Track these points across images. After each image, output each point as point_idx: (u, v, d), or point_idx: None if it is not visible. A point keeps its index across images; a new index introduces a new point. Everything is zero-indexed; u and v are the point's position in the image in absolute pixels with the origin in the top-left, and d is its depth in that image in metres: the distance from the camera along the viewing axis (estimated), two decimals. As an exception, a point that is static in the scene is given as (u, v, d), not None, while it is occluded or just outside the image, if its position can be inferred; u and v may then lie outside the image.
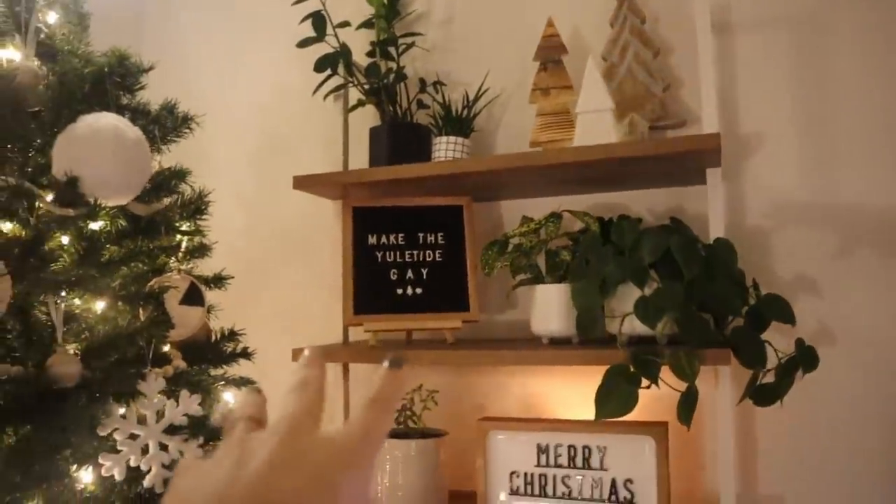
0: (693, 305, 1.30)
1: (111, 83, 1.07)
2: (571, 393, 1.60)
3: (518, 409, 1.65)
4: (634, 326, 1.34)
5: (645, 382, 1.27)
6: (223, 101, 2.00)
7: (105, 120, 1.01)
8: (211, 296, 1.30)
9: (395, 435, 1.52)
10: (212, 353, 1.21)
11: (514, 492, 1.47)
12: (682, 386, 1.27)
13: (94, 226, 1.07)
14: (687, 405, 1.28)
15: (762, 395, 1.38)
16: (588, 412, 1.51)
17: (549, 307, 1.45)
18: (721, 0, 1.58)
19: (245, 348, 1.27)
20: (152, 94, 1.26)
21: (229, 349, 1.26)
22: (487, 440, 1.48)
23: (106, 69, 1.07)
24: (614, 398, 1.25)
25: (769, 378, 1.34)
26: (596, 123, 1.44)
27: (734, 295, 1.31)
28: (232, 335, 1.28)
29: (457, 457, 1.61)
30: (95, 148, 0.99)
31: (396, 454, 1.50)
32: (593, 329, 1.36)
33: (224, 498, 0.32)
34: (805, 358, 1.36)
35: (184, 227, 1.20)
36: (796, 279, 1.51)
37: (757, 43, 1.56)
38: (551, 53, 1.56)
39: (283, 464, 0.34)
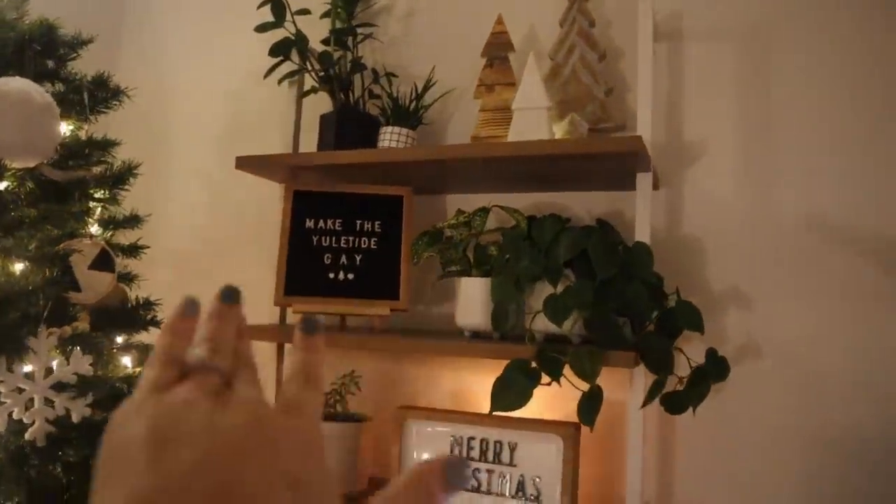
0: (606, 307, 1.30)
1: (32, 51, 1.11)
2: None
3: (446, 403, 1.66)
4: (548, 324, 1.35)
5: (546, 379, 1.28)
6: (193, 84, 2.05)
7: (14, 84, 1.05)
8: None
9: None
10: (123, 320, 1.24)
11: (426, 481, 1.48)
12: (586, 386, 1.28)
13: (0, 186, 1.11)
14: (589, 405, 1.28)
15: (672, 402, 1.37)
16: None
17: (472, 301, 1.46)
18: (674, 7, 1.58)
19: (156, 317, 1.31)
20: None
21: (144, 317, 1.29)
22: (403, 428, 1.50)
23: (27, 36, 1.11)
24: (510, 392, 1.26)
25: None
26: (531, 120, 1.44)
27: (647, 299, 1.31)
28: (148, 304, 1.31)
29: (381, 444, 1.63)
30: (0, 110, 1.03)
31: (317, 435, 1.52)
32: (504, 324, 1.37)
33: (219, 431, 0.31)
34: (714, 368, 1.35)
35: (98, 195, 1.23)
36: (729, 290, 1.50)
37: (704, 52, 1.56)
38: (498, 50, 1.57)
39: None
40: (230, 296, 0.40)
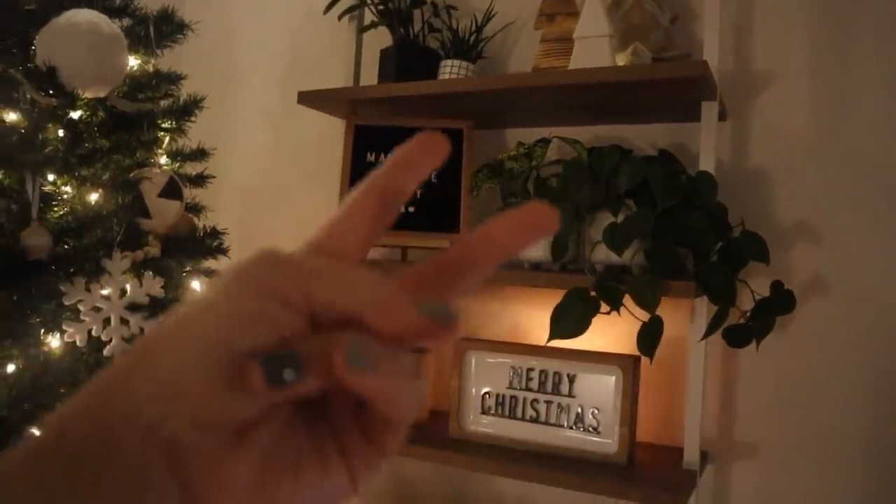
0: (666, 236, 1.29)
1: (100, -16, 1.14)
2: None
3: (506, 337, 1.68)
4: (609, 255, 1.34)
5: (605, 308, 1.28)
6: (255, 21, 2.07)
7: (82, 15, 1.09)
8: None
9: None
10: (192, 247, 1.29)
11: (485, 411, 1.51)
12: (646, 317, 1.27)
13: (75, 115, 1.15)
14: (648, 336, 1.27)
15: (734, 335, 1.36)
16: (567, 342, 1.53)
17: (531, 232, 1.45)
18: (745, -70, 1.51)
19: (223, 245, 1.35)
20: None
21: (211, 245, 1.33)
22: (464, 359, 1.52)
23: (94, -29, 1.14)
24: (569, 319, 1.26)
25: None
26: (593, 50, 1.41)
27: (709, 228, 1.29)
28: (215, 233, 1.36)
29: (442, 378, 1.66)
30: (71, 40, 1.07)
31: (379, 365, 1.55)
32: (564, 254, 1.37)
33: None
34: (780, 300, 1.33)
35: (165, 125, 1.27)
36: (797, 224, 1.46)
37: (777, -25, 1.49)
38: (559, -22, 1.53)
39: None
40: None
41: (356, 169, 1.61)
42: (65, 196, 1.20)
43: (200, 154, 1.41)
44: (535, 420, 1.46)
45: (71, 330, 1.10)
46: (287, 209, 2.01)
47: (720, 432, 1.51)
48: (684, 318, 1.47)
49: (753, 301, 1.33)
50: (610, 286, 1.27)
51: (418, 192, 1.59)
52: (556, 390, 1.45)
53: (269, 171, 2.06)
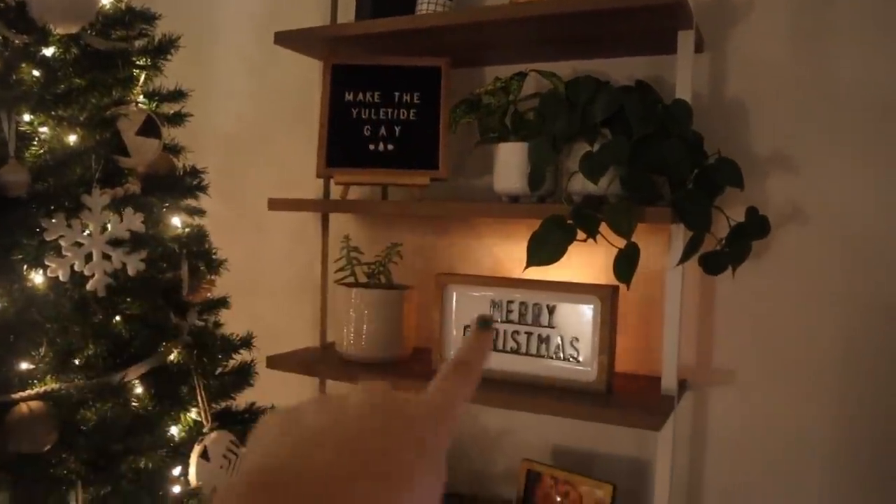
0: (643, 164, 1.30)
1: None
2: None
3: (485, 273, 1.70)
4: (586, 185, 1.36)
5: (582, 236, 1.30)
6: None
7: (51, -54, 1.08)
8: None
9: (364, 287, 1.61)
10: (171, 185, 1.30)
11: (467, 343, 1.53)
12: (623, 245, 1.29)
13: (48, 52, 1.15)
14: (625, 262, 1.29)
15: (711, 262, 1.39)
16: (546, 275, 1.55)
17: (510, 165, 1.47)
18: None
19: (202, 184, 1.36)
20: None
21: (191, 184, 1.34)
22: (444, 293, 1.54)
23: None
24: (546, 246, 1.28)
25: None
26: (568, -19, 1.41)
27: (685, 156, 1.30)
28: (195, 172, 1.36)
29: (423, 316, 1.68)
30: (39, -28, 1.06)
31: (362, 303, 1.58)
32: (541, 185, 1.38)
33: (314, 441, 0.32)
34: (754, 225, 1.35)
35: (140, 63, 1.27)
36: (774, 154, 1.48)
37: None
38: None
39: (373, 413, 0.34)
40: (487, 324, 0.43)
41: (335, 109, 1.61)
42: (42, 136, 1.20)
43: (178, 95, 1.41)
44: (515, 351, 1.49)
45: (53, 265, 1.11)
46: (268, 154, 2.01)
47: (698, 360, 1.55)
48: (662, 250, 1.50)
49: (729, 228, 1.36)
50: (586, 214, 1.28)
51: (396, 130, 1.60)
52: (536, 322, 1.48)
53: (249, 117, 2.05)
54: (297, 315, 1.96)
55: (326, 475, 0.29)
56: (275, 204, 1.63)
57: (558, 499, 1.54)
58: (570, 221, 1.28)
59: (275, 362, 1.62)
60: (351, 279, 1.64)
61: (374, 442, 0.32)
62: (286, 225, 1.99)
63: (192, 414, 1.30)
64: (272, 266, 2.04)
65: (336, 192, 1.70)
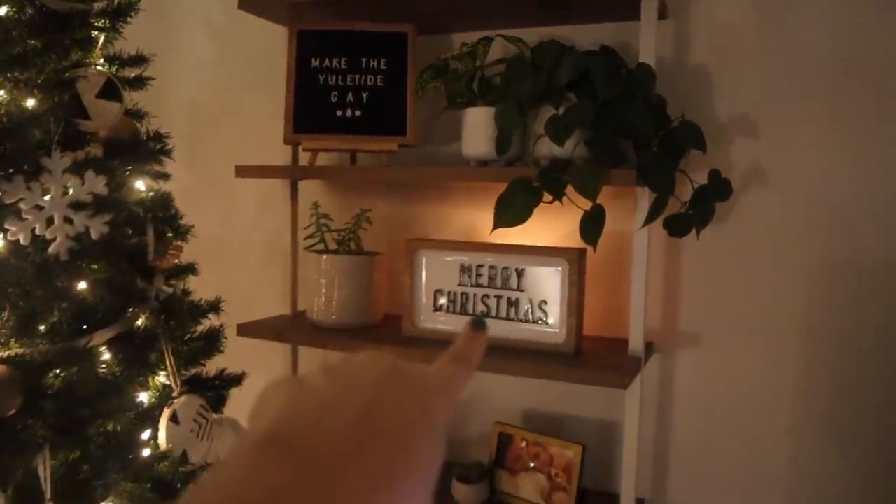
0: (607, 127, 1.31)
1: None
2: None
3: (457, 239, 1.71)
4: (553, 149, 1.36)
5: (548, 198, 1.31)
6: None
7: None
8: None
9: (334, 253, 1.61)
10: (134, 150, 1.28)
11: (437, 309, 1.54)
12: (589, 206, 1.31)
13: (0, 11, 1.13)
14: (591, 223, 1.31)
15: (675, 224, 1.41)
16: (516, 239, 1.56)
17: (477, 130, 1.47)
18: None
19: (166, 148, 1.34)
20: None
21: (154, 148, 1.33)
22: (414, 258, 1.55)
23: None
24: (512, 208, 1.29)
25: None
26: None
27: (649, 119, 1.31)
28: (158, 136, 1.35)
29: (394, 283, 1.69)
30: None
31: (333, 269, 1.58)
32: (508, 149, 1.39)
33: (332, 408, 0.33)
34: (717, 188, 1.37)
35: (99, 24, 1.25)
36: (736, 119, 1.49)
37: None
38: None
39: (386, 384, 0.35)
40: (480, 324, 0.45)
41: (301, 75, 1.60)
42: (-1, 98, 1.18)
43: (139, 60, 1.39)
44: (485, 315, 1.50)
45: (13, 229, 1.10)
46: (234, 121, 1.99)
47: (664, 324, 1.57)
48: (628, 215, 1.51)
49: (693, 191, 1.38)
50: (552, 176, 1.29)
51: (364, 96, 1.59)
52: (505, 285, 1.49)
53: (214, 83, 2.03)
54: (268, 284, 1.95)
55: (339, 442, 0.30)
56: (242, 171, 1.62)
57: (529, 461, 1.56)
58: (536, 184, 1.29)
59: (245, 329, 1.62)
60: (321, 246, 1.64)
61: (385, 413, 0.33)
62: (254, 193, 1.98)
63: (161, 378, 1.29)
64: (241, 234, 2.03)
65: (304, 158, 1.69)
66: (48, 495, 1.11)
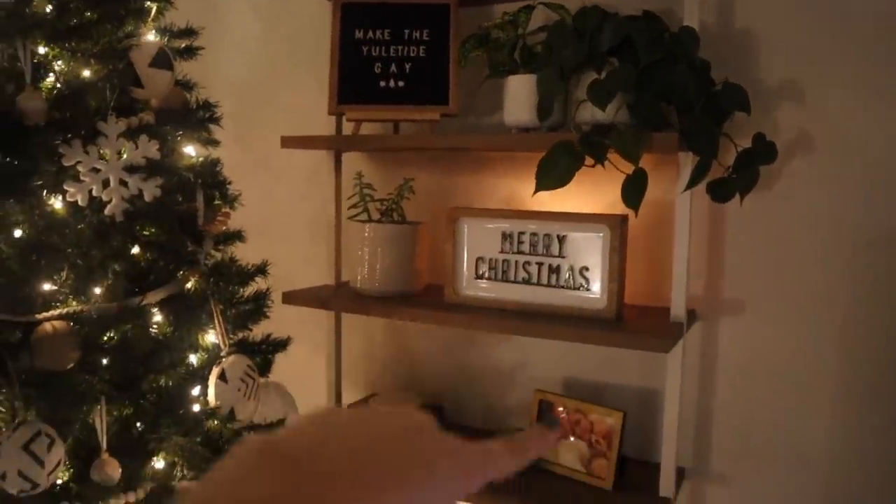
0: (650, 91, 1.31)
1: None
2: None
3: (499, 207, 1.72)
4: (595, 114, 1.37)
5: (590, 162, 1.31)
6: None
7: None
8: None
9: (377, 222, 1.63)
10: (184, 117, 1.32)
11: (479, 276, 1.56)
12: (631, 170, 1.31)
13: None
14: (633, 187, 1.31)
15: (718, 189, 1.40)
16: (557, 208, 1.57)
17: (519, 98, 1.48)
18: None
19: (215, 115, 1.38)
20: None
21: (204, 116, 1.37)
22: (457, 226, 1.56)
23: None
24: (554, 171, 1.30)
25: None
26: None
27: (692, 83, 1.30)
28: (207, 105, 1.39)
29: (436, 252, 1.71)
30: None
31: (376, 238, 1.60)
32: (549, 115, 1.39)
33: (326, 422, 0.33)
34: (762, 151, 1.36)
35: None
36: (781, 84, 1.47)
37: None
38: None
39: (395, 425, 0.35)
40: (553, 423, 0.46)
41: (345, 48, 1.62)
42: (57, 69, 1.23)
43: (189, 32, 1.43)
44: (527, 282, 1.51)
45: (72, 190, 1.14)
46: (280, 98, 2.03)
47: (707, 291, 1.56)
48: (669, 184, 1.51)
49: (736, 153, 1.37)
50: (594, 140, 1.30)
51: (407, 67, 1.61)
52: (546, 252, 1.50)
53: (260, 61, 2.07)
54: (312, 257, 1.99)
55: (335, 463, 0.30)
56: (288, 142, 1.65)
57: (570, 428, 1.57)
58: (578, 148, 1.29)
59: (290, 297, 1.65)
60: (364, 216, 1.67)
61: (389, 447, 0.33)
62: (299, 168, 2.02)
63: (211, 337, 1.34)
64: (286, 209, 2.07)
65: (348, 129, 1.72)
66: (104, 446, 1.16)
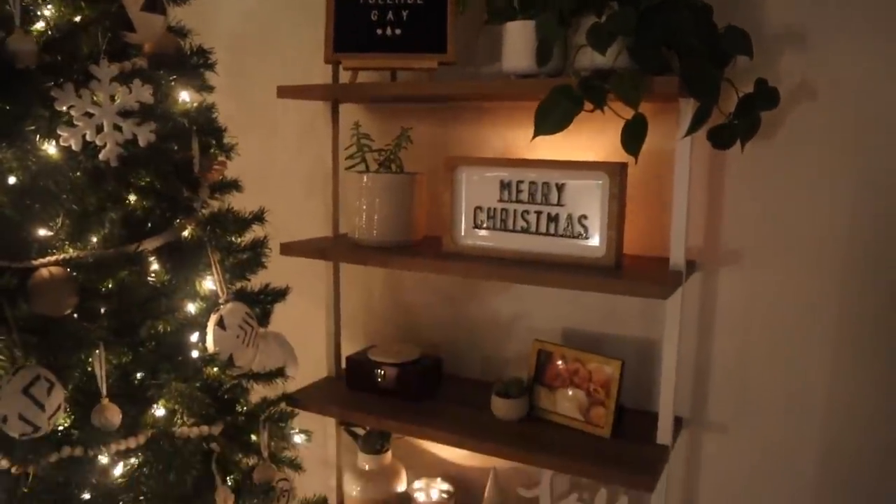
0: (650, 34, 1.28)
1: None
2: (544, 139, 1.61)
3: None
4: (594, 59, 1.35)
5: (589, 106, 1.29)
6: None
7: None
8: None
9: (375, 172, 1.62)
10: (178, 63, 1.30)
11: (477, 225, 1.55)
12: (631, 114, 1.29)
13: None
14: (632, 132, 1.29)
15: (719, 135, 1.38)
16: (558, 156, 1.56)
17: (518, 43, 1.45)
18: None
19: (210, 62, 1.36)
20: None
21: (198, 62, 1.35)
22: (454, 176, 1.55)
23: None
24: (553, 115, 1.28)
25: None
26: None
27: (692, 25, 1.28)
28: (202, 51, 1.37)
29: (433, 205, 1.70)
30: None
31: (374, 188, 1.59)
32: (547, 60, 1.37)
33: None
34: (763, 96, 1.34)
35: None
36: (784, 32, 1.45)
37: None
38: None
39: None
40: None
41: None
42: (47, 13, 1.21)
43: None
44: (525, 230, 1.51)
45: (65, 135, 1.13)
46: (276, 51, 2.00)
47: (706, 241, 1.56)
48: (670, 132, 1.49)
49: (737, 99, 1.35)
50: (594, 84, 1.28)
51: (404, 14, 1.58)
52: (545, 200, 1.49)
53: (255, 13, 2.03)
54: (310, 210, 1.98)
55: None
56: (284, 91, 1.63)
57: (568, 377, 1.57)
58: (577, 92, 1.28)
59: (288, 248, 1.65)
60: (362, 167, 1.66)
61: None
62: (296, 120, 2.00)
63: (208, 284, 1.34)
64: (283, 162, 2.05)
65: (344, 78, 1.70)
66: (104, 392, 1.17)
